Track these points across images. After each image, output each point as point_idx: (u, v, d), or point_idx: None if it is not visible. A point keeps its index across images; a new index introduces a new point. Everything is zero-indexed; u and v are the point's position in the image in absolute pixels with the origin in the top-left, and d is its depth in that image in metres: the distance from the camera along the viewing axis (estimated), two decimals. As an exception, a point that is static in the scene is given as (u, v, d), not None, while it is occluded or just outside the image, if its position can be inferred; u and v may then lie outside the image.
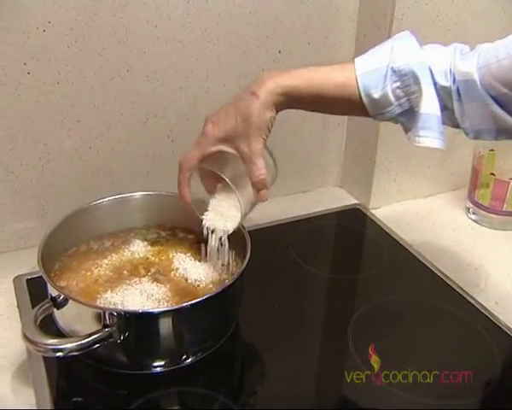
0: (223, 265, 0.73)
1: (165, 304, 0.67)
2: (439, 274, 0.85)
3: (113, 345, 0.60)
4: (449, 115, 0.64)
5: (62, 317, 0.65)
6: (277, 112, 0.65)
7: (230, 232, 0.70)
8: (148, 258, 0.76)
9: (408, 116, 0.64)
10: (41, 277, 0.63)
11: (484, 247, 0.94)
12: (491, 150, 0.99)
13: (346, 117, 1.04)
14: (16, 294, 0.76)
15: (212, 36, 0.87)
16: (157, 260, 0.75)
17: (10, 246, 0.86)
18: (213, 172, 0.67)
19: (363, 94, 0.63)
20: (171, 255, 0.76)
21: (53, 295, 0.63)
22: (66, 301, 0.62)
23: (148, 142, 0.90)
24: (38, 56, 0.77)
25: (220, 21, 0.86)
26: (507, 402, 0.65)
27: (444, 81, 0.61)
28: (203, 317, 0.64)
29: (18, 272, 0.80)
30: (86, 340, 0.58)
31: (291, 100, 0.64)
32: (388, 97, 0.62)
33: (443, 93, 0.62)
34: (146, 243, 0.78)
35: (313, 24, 0.94)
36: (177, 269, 0.73)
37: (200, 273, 0.72)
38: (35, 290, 0.75)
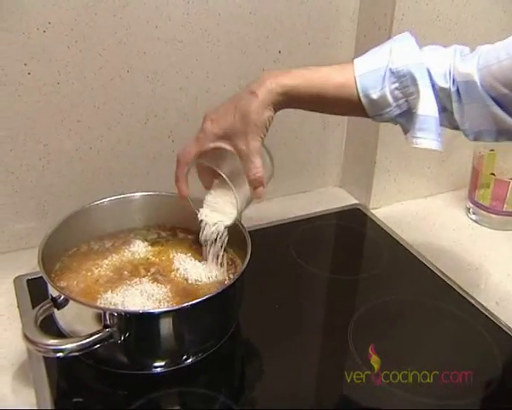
0: (217, 260, 0.73)
1: (166, 304, 0.67)
2: (439, 274, 0.85)
3: (114, 345, 0.60)
4: (448, 117, 0.64)
5: (63, 317, 0.65)
6: (276, 111, 0.65)
7: (224, 228, 0.70)
8: (148, 258, 0.76)
9: (406, 117, 0.64)
10: (41, 277, 0.63)
11: (484, 247, 0.94)
12: (492, 150, 0.99)
13: (346, 117, 1.04)
14: (17, 294, 0.76)
15: (213, 36, 0.87)
16: (157, 260, 0.75)
17: (11, 246, 0.86)
18: (211, 168, 0.67)
19: (361, 94, 0.63)
20: (171, 256, 0.76)
21: (53, 295, 0.63)
22: (66, 301, 0.62)
23: (148, 142, 0.90)
24: (39, 57, 0.77)
25: (220, 22, 0.86)
26: (507, 402, 0.65)
27: (443, 83, 0.62)
28: (203, 317, 0.64)
29: (18, 272, 0.80)
30: (87, 340, 0.58)
31: (290, 99, 0.64)
32: (387, 98, 0.62)
33: (442, 95, 0.62)
34: (146, 243, 0.78)
35: (313, 24, 0.94)
36: (178, 269, 0.73)
37: (200, 274, 0.72)
38: (35, 291, 0.75)
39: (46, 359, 0.64)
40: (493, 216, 0.99)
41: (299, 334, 0.74)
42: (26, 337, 0.57)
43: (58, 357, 0.58)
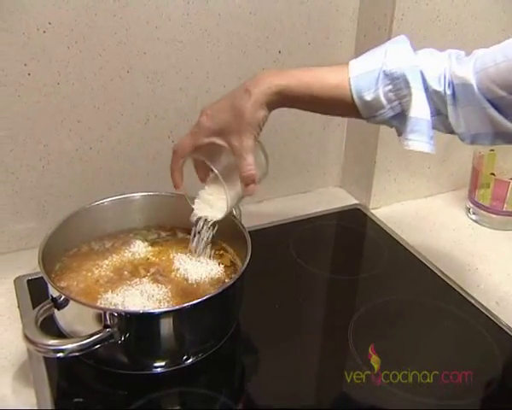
0: (205, 253, 0.75)
1: (166, 304, 0.67)
2: (439, 274, 0.85)
3: (114, 346, 0.60)
4: (442, 120, 0.64)
5: (63, 317, 0.65)
6: (271, 110, 0.66)
7: (213, 222, 0.72)
8: (148, 258, 0.76)
9: (400, 120, 0.64)
10: (42, 277, 0.63)
11: (484, 247, 0.94)
12: (492, 150, 0.99)
13: (346, 118, 1.04)
14: (17, 294, 0.77)
15: (213, 36, 0.87)
16: (157, 260, 0.75)
17: (11, 247, 0.86)
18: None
19: (355, 96, 0.63)
20: (171, 256, 0.76)
21: (54, 295, 0.63)
22: (66, 301, 0.62)
23: (148, 142, 0.90)
24: (39, 57, 0.77)
25: (220, 22, 0.86)
26: (507, 402, 0.65)
27: (437, 86, 0.61)
28: (204, 317, 0.64)
29: (19, 272, 0.80)
30: (87, 340, 0.58)
31: (284, 99, 0.65)
32: (380, 100, 0.63)
33: (436, 98, 0.62)
34: (146, 243, 0.79)
35: (313, 24, 0.94)
36: (178, 269, 0.73)
37: (200, 274, 0.72)
38: (36, 291, 0.75)
39: (46, 359, 0.64)
40: (493, 216, 0.99)
41: (299, 334, 0.74)
42: (26, 338, 0.57)
43: (58, 357, 0.58)
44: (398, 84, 0.62)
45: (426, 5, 0.89)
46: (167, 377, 0.65)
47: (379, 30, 0.91)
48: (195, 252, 0.74)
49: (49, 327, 0.63)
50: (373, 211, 1.03)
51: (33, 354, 0.65)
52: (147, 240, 0.79)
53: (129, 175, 0.90)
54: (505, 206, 0.97)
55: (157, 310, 0.65)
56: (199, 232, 0.73)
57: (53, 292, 0.63)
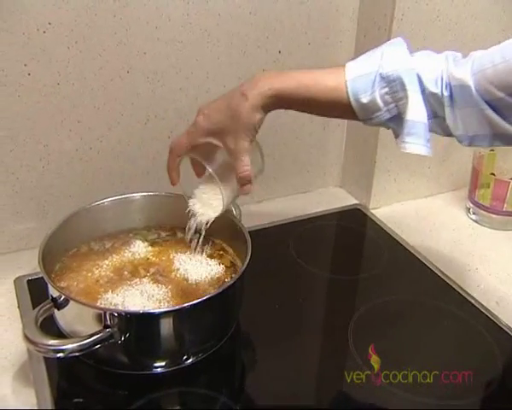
0: (199, 252, 0.75)
1: (166, 305, 0.67)
2: (439, 274, 0.85)
3: (114, 346, 0.60)
4: (439, 123, 0.64)
5: (63, 317, 0.65)
6: (267, 113, 0.66)
7: (208, 221, 0.72)
8: (148, 258, 0.76)
9: (396, 122, 0.64)
10: (42, 277, 0.63)
11: (484, 247, 0.94)
12: (492, 150, 0.99)
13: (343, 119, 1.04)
14: (17, 295, 0.77)
15: (213, 36, 0.87)
16: (157, 260, 0.75)
17: (11, 247, 0.86)
18: None
19: (352, 98, 0.63)
20: (171, 256, 0.76)
21: (54, 295, 0.63)
22: (66, 301, 0.62)
23: (148, 142, 0.90)
24: (39, 57, 0.77)
25: (220, 22, 0.86)
26: (507, 402, 0.65)
27: (434, 88, 0.61)
28: (204, 317, 0.64)
29: (19, 272, 0.80)
30: (87, 341, 0.59)
31: (281, 101, 0.65)
32: (376, 102, 0.63)
33: (433, 100, 0.62)
34: (146, 243, 0.79)
35: (313, 24, 0.94)
36: (178, 269, 0.73)
37: (200, 274, 0.72)
38: (36, 291, 0.75)
39: (46, 359, 0.64)
40: (493, 216, 0.99)
41: (299, 334, 0.74)
42: (26, 338, 0.57)
43: (58, 357, 0.58)
44: (395, 87, 0.62)
45: (426, 5, 0.89)
46: (167, 378, 0.65)
47: (379, 30, 0.91)
48: (194, 250, 0.75)
49: (49, 327, 0.63)
50: (373, 211, 1.03)
51: (33, 354, 0.65)
52: (147, 240, 0.79)
53: (129, 175, 0.90)
54: (505, 206, 0.97)
55: (157, 310, 0.65)
56: (196, 232, 0.73)
57: (53, 292, 0.63)
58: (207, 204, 0.72)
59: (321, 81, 0.65)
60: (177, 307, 0.65)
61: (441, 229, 0.99)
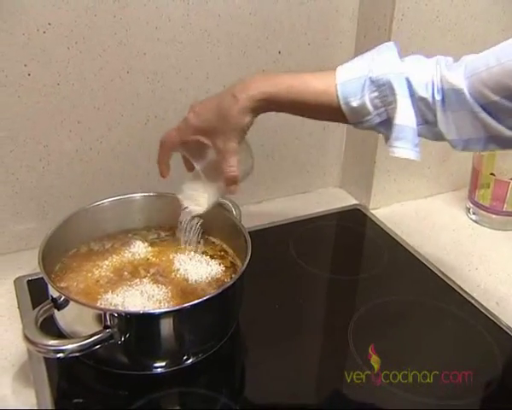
0: (189, 245, 0.77)
1: (166, 305, 0.67)
2: (439, 274, 0.85)
3: (114, 346, 0.60)
4: (429, 128, 0.64)
5: (63, 318, 0.65)
6: (256, 115, 0.66)
7: (193, 216, 0.73)
8: (148, 259, 0.76)
9: (386, 126, 0.64)
10: (42, 278, 0.63)
11: (484, 247, 0.94)
12: (491, 150, 0.99)
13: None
14: (17, 295, 0.77)
15: (213, 37, 0.87)
16: (157, 260, 0.75)
17: (11, 247, 0.86)
18: None
19: (342, 102, 0.63)
20: (171, 256, 0.76)
21: (54, 296, 0.63)
22: (66, 302, 0.62)
23: (148, 143, 0.89)
24: (39, 58, 0.77)
25: (220, 22, 0.86)
26: (507, 402, 0.65)
27: (424, 92, 0.61)
28: (204, 317, 0.64)
29: (19, 273, 0.80)
30: (87, 341, 0.59)
31: (271, 104, 0.65)
32: (366, 106, 0.63)
33: (422, 105, 0.62)
34: (146, 243, 0.79)
35: (313, 25, 0.94)
36: (178, 270, 0.73)
37: (200, 274, 0.72)
38: (36, 291, 0.75)
39: (46, 359, 0.64)
40: (493, 216, 0.99)
41: (299, 334, 0.74)
42: (26, 338, 0.57)
43: (58, 358, 0.58)
44: (384, 91, 0.62)
45: (425, 5, 0.89)
46: (167, 378, 0.65)
47: (379, 30, 0.91)
48: (184, 243, 0.77)
49: (49, 328, 0.63)
50: (373, 211, 1.03)
51: (33, 354, 0.65)
52: (147, 240, 0.79)
53: (129, 176, 0.90)
54: (505, 206, 0.97)
55: (157, 310, 0.65)
56: (186, 228, 0.75)
57: (53, 292, 0.63)
58: (193, 200, 0.73)
59: (311, 84, 0.65)
60: (177, 308, 0.65)
61: (441, 229, 0.99)
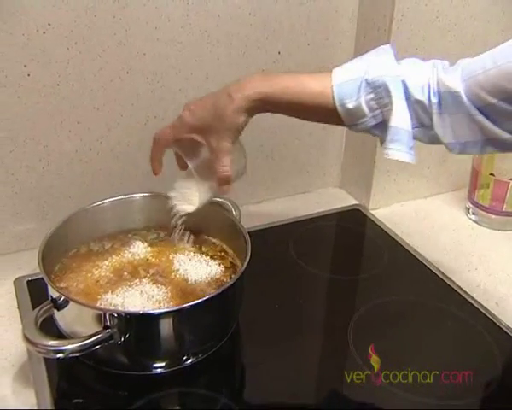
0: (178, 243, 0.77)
1: (166, 305, 0.67)
2: (439, 275, 0.85)
3: (114, 346, 0.60)
4: (425, 132, 0.64)
5: (63, 318, 0.65)
6: (252, 116, 0.66)
7: (183, 215, 0.73)
8: (148, 259, 0.76)
9: (381, 129, 0.64)
10: (41, 278, 0.63)
11: (484, 247, 0.94)
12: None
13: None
14: (17, 295, 0.77)
15: (212, 37, 0.87)
16: (157, 261, 0.75)
17: (11, 248, 0.86)
18: None
19: (337, 103, 0.63)
20: (170, 256, 0.76)
21: (53, 296, 0.63)
22: (66, 302, 0.62)
23: (148, 143, 0.88)
24: (38, 58, 0.77)
25: (220, 23, 0.86)
26: (507, 402, 0.65)
27: (419, 95, 0.61)
28: (204, 318, 0.64)
29: (18, 273, 0.80)
30: (87, 341, 0.59)
31: (266, 105, 0.66)
32: (362, 108, 0.63)
33: (418, 108, 0.62)
34: (146, 244, 0.79)
35: (313, 25, 0.94)
36: (178, 270, 0.73)
37: (200, 274, 0.72)
38: (36, 292, 0.75)
39: (46, 360, 0.64)
40: (493, 216, 0.99)
41: (299, 334, 0.74)
42: (26, 338, 0.57)
43: (58, 358, 0.58)
44: (380, 93, 0.62)
45: (425, 6, 0.89)
46: (167, 378, 0.65)
47: (378, 31, 0.91)
48: (176, 241, 0.77)
49: (49, 328, 0.63)
50: (372, 211, 1.03)
51: (33, 354, 0.65)
52: (146, 241, 0.79)
53: (128, 176, 0.90)
54: (505, 206, 0.97)
55: (157, 311, 0.65)
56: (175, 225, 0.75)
57: (53, 293, 0.63)
58: (185, 198, 0.73)
59: (307, 86, 0.65)
60: (176, 308, 0.65)
61: (441, 229, 0.99)
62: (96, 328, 0.60)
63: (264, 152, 1.01)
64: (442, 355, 0.70)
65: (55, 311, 0.64)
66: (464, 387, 0.64)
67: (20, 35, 0.75)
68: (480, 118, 0.59)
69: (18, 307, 0.74)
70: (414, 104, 0.62)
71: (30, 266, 0.79)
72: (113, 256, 0.76)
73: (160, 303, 0.67)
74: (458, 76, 0.60)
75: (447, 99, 0.61)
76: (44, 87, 0.79)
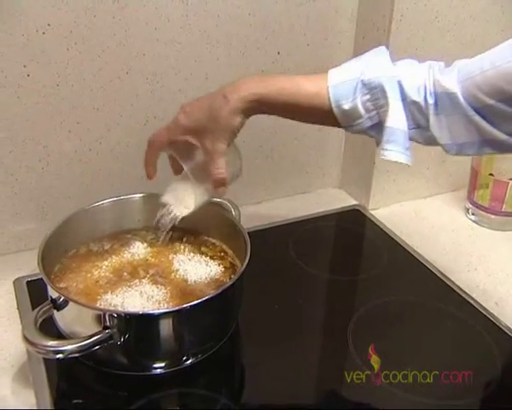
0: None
1: (166, 305, 0.67)
2: (438, 275, 0.85)
3: (114, 347, 0.60)
4: (421, 133, 0.64)
5: (62, 318, 0.65)
6: (248, 117, 0.66)
7: (178, 217, 0.73)
8: (147, 259, 0.76)
9: (377, 130, 0.64)
10: (41, 279, 0.63)
11: (483, 247, 0.94)
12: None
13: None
14: (16, 296, 0.77)
15: (212, 38, 0.87)
16: (157, 261, 0.75)
17: (10, 248, 0.86)
18: None
19: (333, 105, 0.63)
20: (170, 257, 0.76)
21: (53, 296, 0.63)
22: (66, 302, 0.62)
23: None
24: (38, 59, 0.77)
25: (219, 23, 0.86)
26: (507, 402, 0.65)
27: (416, 96, 0.61)
28: (203, 318, 0.64)
29: (18, 273, 0.80)
30: (86, 342, 0.59)
31: (262, 106, 0.65)
32: (358, 109, 0.63)
33: (414, 109, 0.62)
34: (146, 244, 0.78)
35: (312, 25, 0.94)
36: (177, 270, 0.73)
37: (200, 275, 0.72)
38: (35, 292, 0.75)
39: (46, 360, 0.64)
40: (492, 217, 0.99)
41: (299, 334, 0.74)
42: (25, 339, 0.57)
43: (58, 358, 0.58)
44: (376, 94, 0.62)
45: (424, 6, 0.89)
46: (167, 378, 0.65)
47: (378, 31, 0.92)
48: (161, 241, 0.77)
49: (49, 328, 0.63)
50: (372, 212, 1.03)
51: (33, 355, 0.65)
52: (146, 241, 0.79)
53: (128, 176, 0.90)
54: (504, 206, 0.97)
55: (156, 311, 0.65)
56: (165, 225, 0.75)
57: (52, 293, 0.63)
58: (180, 201, 0.73)
59: (303, 87, 0.65)
60: (176, 308, 0.65)
61: (440, 229, 0.99)
62: (96, 328, 0.60)
63: (264, 152, 1.01)
64: (442, 355, 0.70)
65: (55, 311, 0.64)
66: (464, 387, 0.64)
67: (19, 35, 0.75)
68: (477, 119, 0.59)
69: (17, 308, 0.74)
70: (410, 105, 0.62)
71: (29, 266, 0.78)
72: (113, 257, 0.75)
73: (159, 304, 0.67)
74: (455, 77, 0.60)
75: (444, 100, 0.61)
76: (44, 87, 0.79)
